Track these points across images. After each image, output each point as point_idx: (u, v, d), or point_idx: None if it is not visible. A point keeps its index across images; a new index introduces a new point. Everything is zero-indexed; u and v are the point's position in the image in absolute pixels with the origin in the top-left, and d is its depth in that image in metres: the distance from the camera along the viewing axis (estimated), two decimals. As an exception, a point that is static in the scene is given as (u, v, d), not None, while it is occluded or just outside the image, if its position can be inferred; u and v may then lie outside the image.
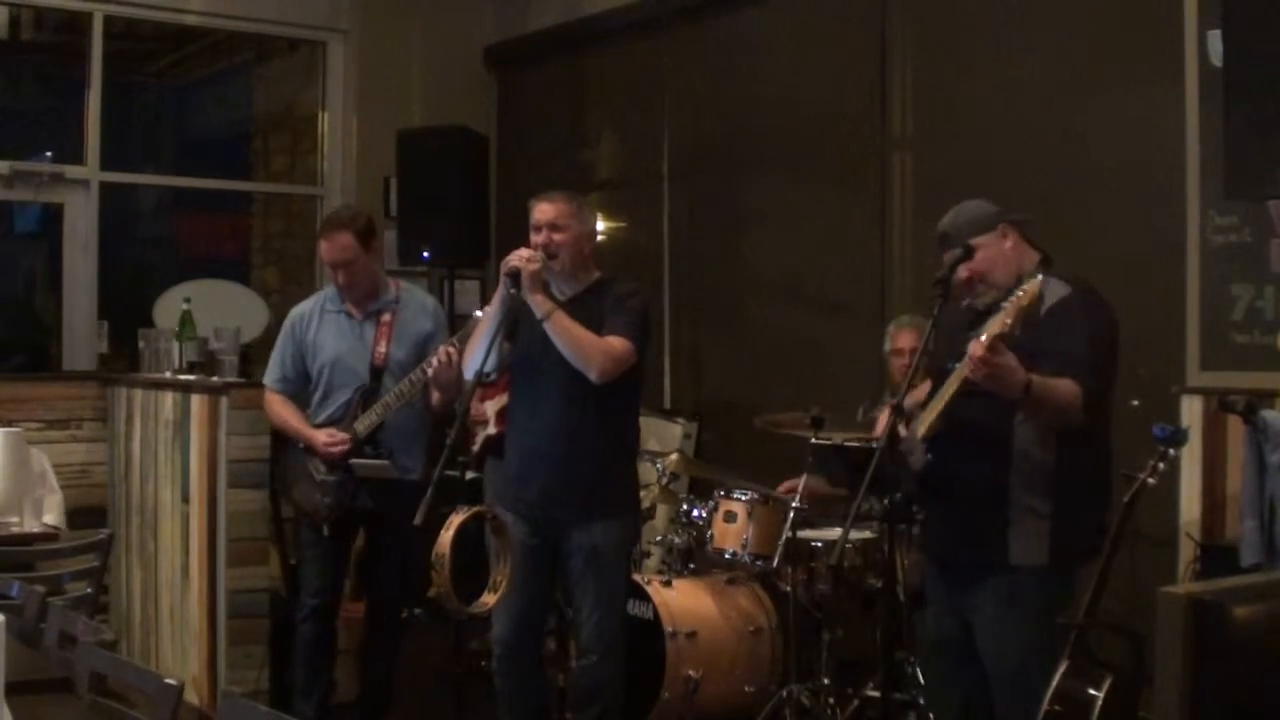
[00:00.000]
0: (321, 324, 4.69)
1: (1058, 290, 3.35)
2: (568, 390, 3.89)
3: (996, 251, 3.44)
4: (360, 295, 4.66)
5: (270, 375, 4.77)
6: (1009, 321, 3.05)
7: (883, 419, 3.51)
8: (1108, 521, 3.38)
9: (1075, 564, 3.41)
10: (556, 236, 3.96)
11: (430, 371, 4.28)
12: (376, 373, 4.60)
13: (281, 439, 4.84)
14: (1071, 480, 3.35)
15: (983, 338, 3.07)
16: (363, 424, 4.54)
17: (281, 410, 4.71)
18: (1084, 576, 3.38)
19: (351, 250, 4.57)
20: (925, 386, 3.69)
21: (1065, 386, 3.20)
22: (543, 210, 3.99)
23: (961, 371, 3.17)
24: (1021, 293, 3.07)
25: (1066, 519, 3.34)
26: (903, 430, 3.50)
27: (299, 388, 4.73)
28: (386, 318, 4.65)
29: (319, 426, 4.62)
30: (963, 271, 3.46)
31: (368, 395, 4.57)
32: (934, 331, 3.61)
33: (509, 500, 4.08)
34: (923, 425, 3.39)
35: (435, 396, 4.49)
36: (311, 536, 4.67)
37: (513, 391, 4.18)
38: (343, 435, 4.52)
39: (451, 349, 4.23)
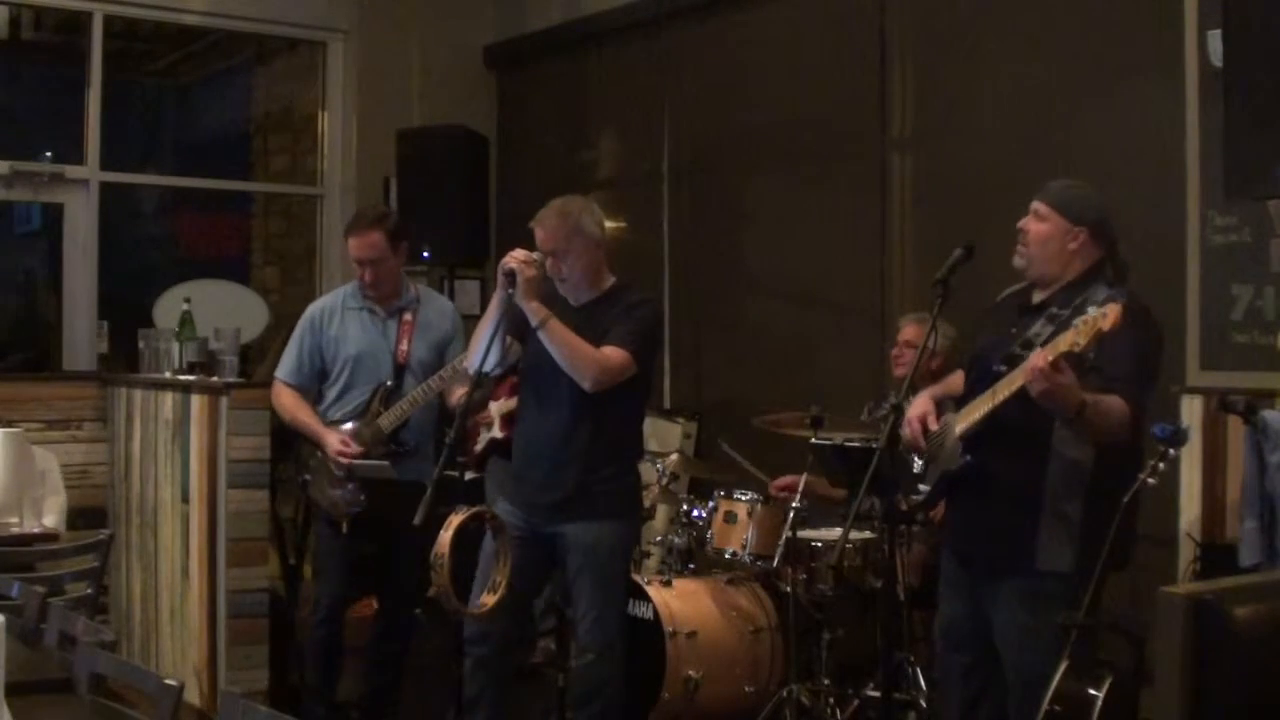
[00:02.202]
0: (344, 320, 4.69)
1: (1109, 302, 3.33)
2: (573, 395, 3.90)
3: (1056, 235, 3.38)
4: (384, 294, 4.67)
5: (284, 369, 4.73)
6: (1081, 343, 2.96)
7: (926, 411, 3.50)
8: (1136, 528, 3.33)
9: (1088, 574, 3.31)
10: (564, 266, 3.96)
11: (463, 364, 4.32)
12: (399, 370, 4.61)
13: (294, 435, 4.82)
14: (1104, 486, 3.28)
15: (1046, 350, 3.01)
16: (387, 420, 4.54)
17: (293, 405, 4.68)
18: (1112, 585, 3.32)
19: (380, 248, 4.59)
20: (958, 377, 3.66)
21: (1116, 406, 3.14)
22: (539, 238, 3.97)
23: (1017, 380, 3.11)
24: (1103, 314, 2.96)
25: (1096, 526, 3.25)
26: (933, 425, 3.49)
27: (312, 383, 4.70)
28: (408, 317, 4.66)
29: (335, 422, 4.60)
30: (1024, 219, 3.43)
31: (390, 393, 4.58)
32: (934, 331, 3.61)
33: (510, 496, 4.08)
34: (961, 424, 3.37)
35: (457, 395, 4.49)
36: (328, 534, 4.65)
37: (521, 393, 4.19)
38: (356, 448, 4.50)
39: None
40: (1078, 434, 3.23)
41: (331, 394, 4.68)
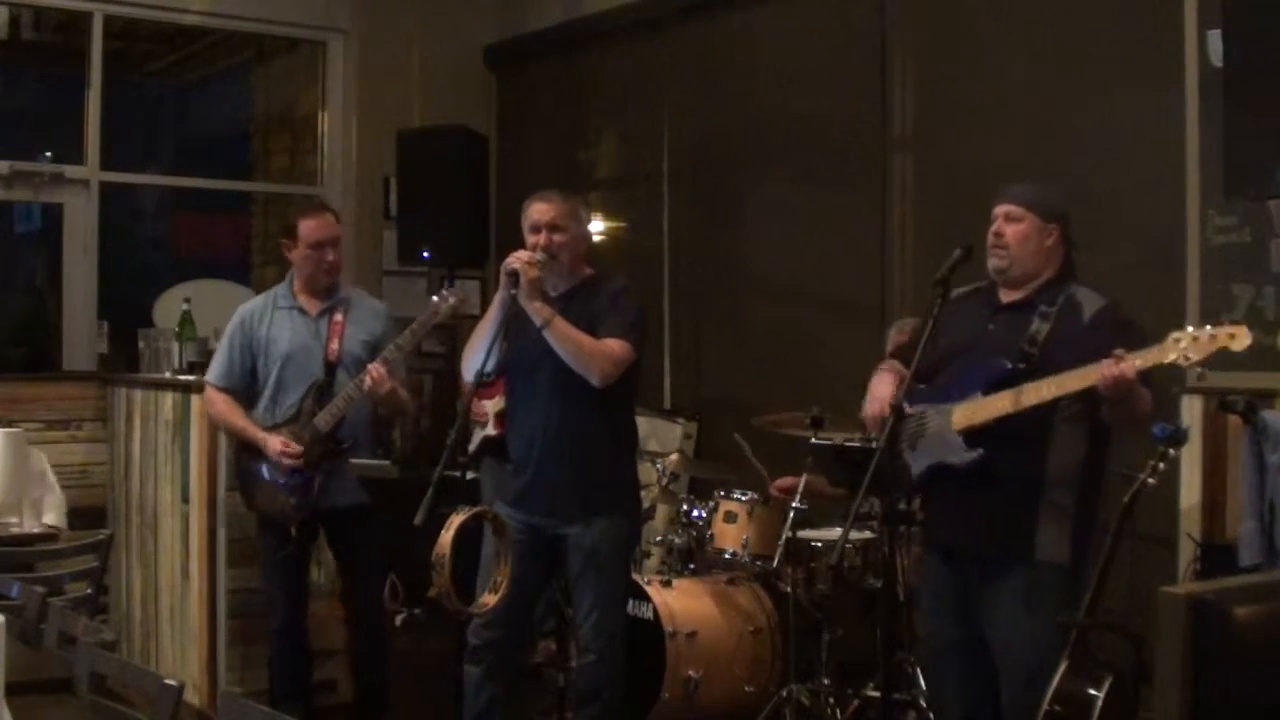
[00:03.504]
0: (274, 320, 4.64)
1: (1094, 299, 3.41)
2: (564, 388, 3.89)
3: (1034, 233, 3.45)
4: (333, 282, 4.66)
5: (215, 372, 4.67)
6: (1194, 357, 3.02)
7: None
8: (1108, 522, 3.41)
9: (1089, 563, 3.41)
10: (557, 237, 3.94)
11: (365, 388, 4.34)
12: (330, 368, 4.57)
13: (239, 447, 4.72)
14: (1093, 480, 3.39)
15: (1136, 358, 3.07)
16: (324, 419, 4.48)
17: (228, 411, 4.62)
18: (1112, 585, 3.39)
19: (337, 228, 4.66)
20: (892, 375, 3.70)
21: (1147, 395, 3.25)
22: (541, 210, 3.98)
23: (1080, 379, 3.16)
24: (1230, 335, 3.01)
25: (1086, 518, 3.37)
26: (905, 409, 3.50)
27: (243, 386, 4.64)
28: (338, 317, 4.63)
29: (274, 425, 4.54)
30: (994, 225, 3.48)
31: (323, 391, 4.53)
32: (934, 330, 3.61)
33: (507, 496, 4.08)
34: (967, 419, 3.37)
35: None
36: (275, 544, 4.57)
37: (509, 389, 4.18)
38: (297, 447, 4.45)
39: (378, 368, 4.31)
40: (1117, 418, 3.28)
41: (265, 396, 4.61)
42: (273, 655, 4.68)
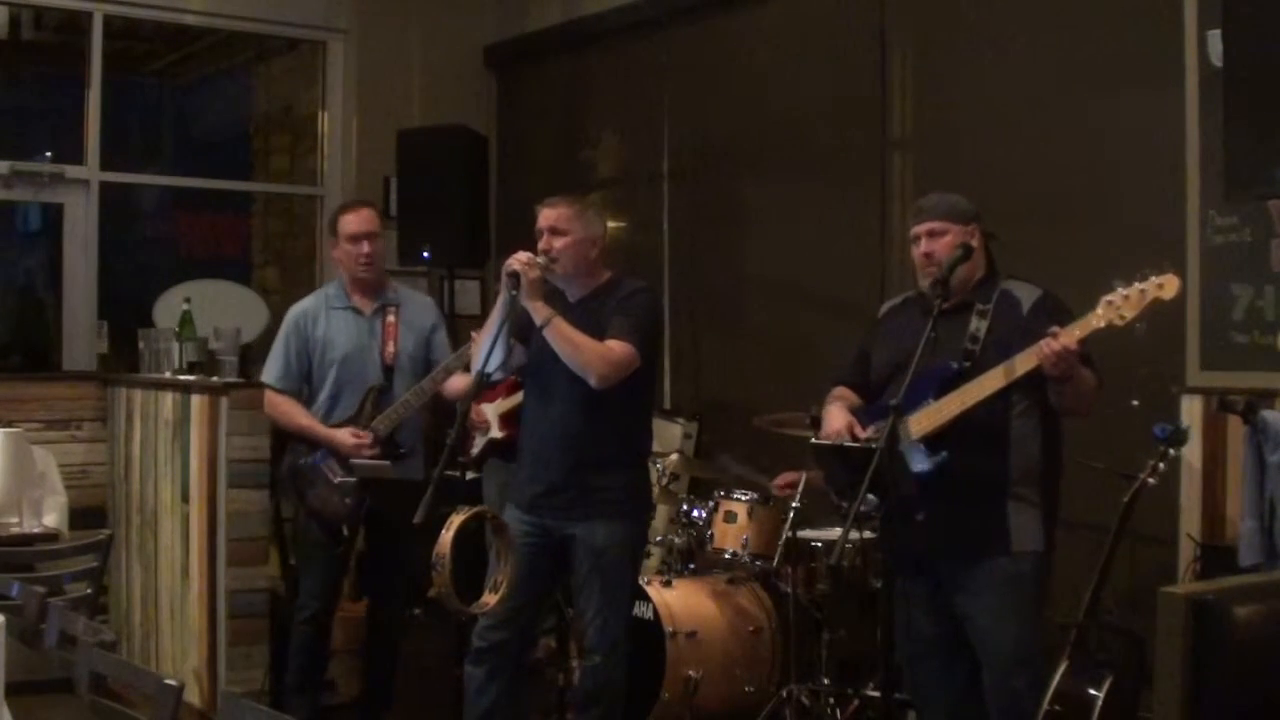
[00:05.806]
0: (329, 321, 4.66)
1: (1030, 291, 3.52)
2: (575, 391, 3.89)
3: (960, 243, 3.53)
4: (376, 277, 4.67)
5: (272, 374, 4.67)
6: (1129, 315, 3.11)
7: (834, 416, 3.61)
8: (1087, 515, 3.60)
9: (1054, 549, 3.51)
10: (557, 242, 3.96)
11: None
12: (387, 371, 4.60)
13: (282, 441, 4.80)
14: (1052, 471, 3.50)
15: (1071, 330, 3.17)
16: (384, 423, 4.51)
17: (292, 410, 4.63)
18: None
19: (377, 223, 4.67)
20: (845, 392, 3.74)
21: (1091, 376, 3.35)
22: (544, 215, 4.01)
23: (1029, 360, 3.23)
24: (1158, 284, 3.10)
25: (1050, 507, 3.48)
26: (862, 432, 3.53)
27: (299, 387, 4.67)
28: (391, 317, 4.65)
29: (334, 427, 4.57)
30: (920, 246, 3.56)
31: (382, 394, 4.55)
32: (933, 331, 3.62)
33: (519, 498, 4.08)
34: (923, 425, 3.39)
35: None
36: (321, 539, 4.60)
37: (525, 392, 4.19)
38: (366, 434, 4.49)
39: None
40: (1064, 403, 3.36)
41: (322, 398, 4.63)
42: (295, 646, 4.67)
